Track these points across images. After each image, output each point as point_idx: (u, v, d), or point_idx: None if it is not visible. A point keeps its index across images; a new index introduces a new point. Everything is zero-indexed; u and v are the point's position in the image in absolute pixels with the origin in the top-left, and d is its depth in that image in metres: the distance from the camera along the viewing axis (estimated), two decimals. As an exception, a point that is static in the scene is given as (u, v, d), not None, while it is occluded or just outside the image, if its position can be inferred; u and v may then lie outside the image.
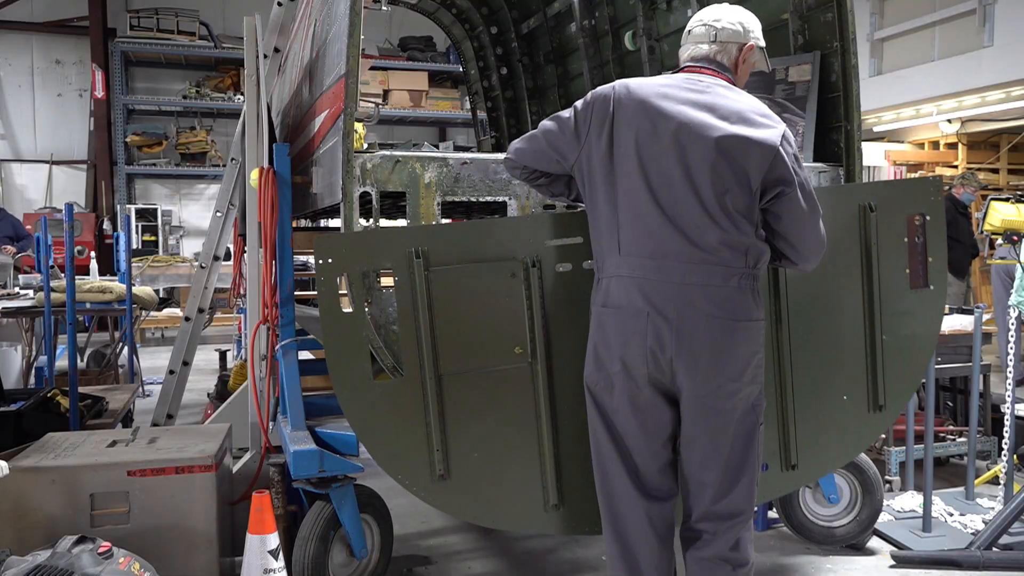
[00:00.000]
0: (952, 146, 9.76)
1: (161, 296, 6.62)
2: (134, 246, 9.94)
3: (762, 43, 2.50)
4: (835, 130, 3.24)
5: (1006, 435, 4.11)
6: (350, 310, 2.48)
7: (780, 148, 2.24)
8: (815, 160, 3.25)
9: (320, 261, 2.43)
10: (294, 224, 4.13)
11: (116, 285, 5.64)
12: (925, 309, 2.89)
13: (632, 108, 2.31)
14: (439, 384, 2.47)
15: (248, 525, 2.74)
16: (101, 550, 2.49)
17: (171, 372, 4.12)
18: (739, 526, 2.36)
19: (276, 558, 2.76)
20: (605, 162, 2.33)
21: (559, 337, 2.55)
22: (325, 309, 2.45)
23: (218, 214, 4.08)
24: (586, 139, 2.36)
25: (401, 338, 2.47)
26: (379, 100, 11.36)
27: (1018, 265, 4.47)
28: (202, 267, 4.18)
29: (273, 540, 2.75)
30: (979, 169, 9.37)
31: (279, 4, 4.14)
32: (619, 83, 2.37)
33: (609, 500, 2.40)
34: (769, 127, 2.26)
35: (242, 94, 3.77)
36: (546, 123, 2.47)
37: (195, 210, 12.16)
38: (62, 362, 5.76)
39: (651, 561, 2.38)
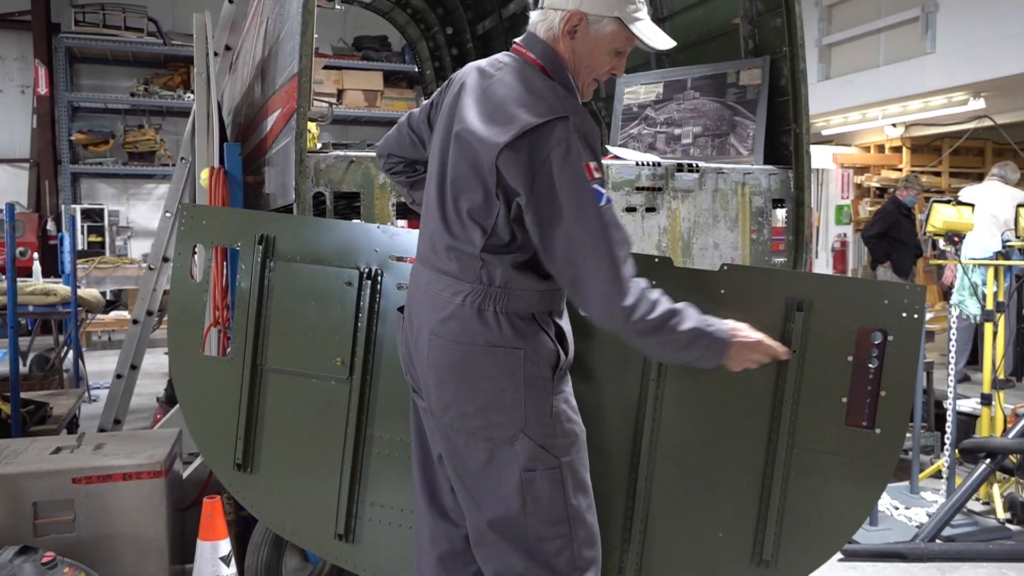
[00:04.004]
0: (897, 149, 10.02)
1: (108, 298, 6.47)
2: (80, 247, 9.65)
3: (612, 12, 1.93)
4: (784, 133, 3.30)
5: (948, 430, 4.24)
6: (197, 280, 2.53)
7: (506, 149, 1.82)
8: (766, 162, 3.31)
9: (180, 228, 2.47)
10: (246, 225, 4.09)
11: (60, 287, 5.50)
12: (862, 457, 2.13)
13: (450, 93, 2.04)
14: (255, 375, 2.43)
15: (199, 531, 2.70)
16: (44, 560, 2.43)
17: (118, 376, 4.03)
18: None
19: (228, 564, 2.72)
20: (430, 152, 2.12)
21: (387, 357, 2.34)
22: (176, 275, 2.50)
23: (167, 215, 4.01)
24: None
25: (235, 321, 2.46)
26: (333, 100, 11.24)
27: (959, 266, 4.62)
28: (151, 268, 4.10)
29: (225, 546, 2.71)
30: (922, 172, 9.63)
31: (230, 1, 4.07)
32: (471, 64, 2.09)
33: (415, 506, 2.23)
34: (512, 121, 1.83)
35: (192, 92, 3.70)
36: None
37: (143, 210, 11.86)
38: (3, 367, 5.59)
39: None
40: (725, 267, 2.21)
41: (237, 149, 3.36)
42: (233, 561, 2.75)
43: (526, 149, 1.81)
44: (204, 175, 3.28)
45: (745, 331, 1.95)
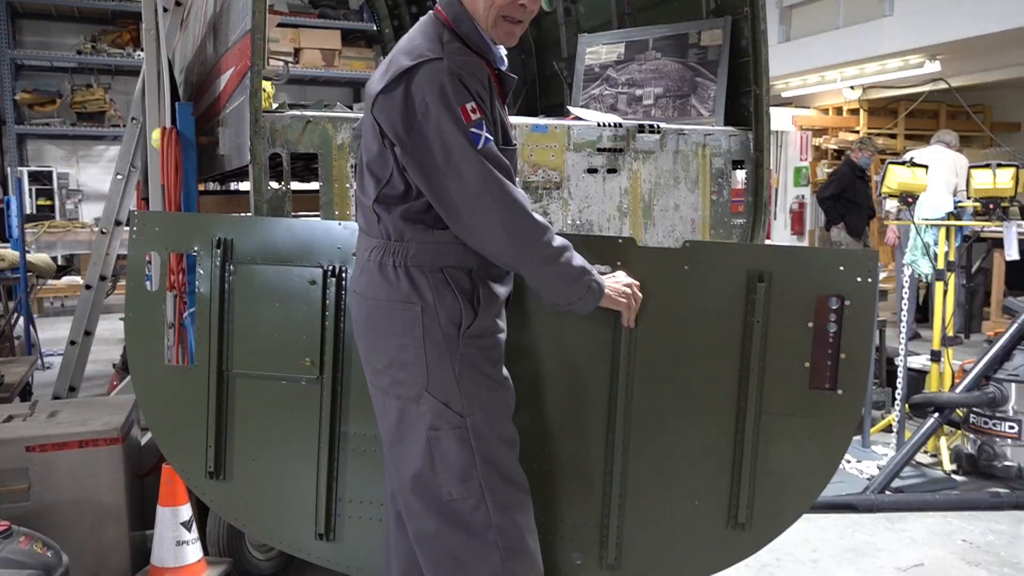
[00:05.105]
0: (854, 112, 10.14)
1: (60, 264, 6.31)
2: (28, 211, 9.40)
3: None
4: (745, 94, 3.29)
5: (899, 386, 4.37)
6: (155, 289, 2.49)
7: (380, 95, 1.84)
8: (726, 124, 3.32)
9: (133, 236, 2.42)
10: (201, 187, 4.02)
11: (8, 252, 5.37)
12: (826, 417, 2.22)
13: None
14: (222, 381, 2.40)
15: (159, 497, 2.70)
16: (-1, 529, 2.39)
17: (72, 343, 3.94)
18: (432, 556, 1.97)
19: (189, 529, 2.72)
20: None
21: (356, 353, 2.27)
22: (131, 286, 2.44)
23: (119, 177, 3.89)
24: None
25: (197, 328, 2.43)
26: (289, 58, 10.98)
27: (912, 226, 4.72)
28: (103, 232, 3.99)
29: (186, 511, 2.71)
30: (878, 134, 9.77)
31: (179, -46, 3.92)
32: None
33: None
34: (390, 68, 1.86)
35: (142, 50, 3.59)
36: None
37: (94, 173, 11.53)
38: (-49, 334, 5.44)
39: (392, 548, 2.18)
40: (687, 244, 2.26)
41: (189, 109, 3.30)
42: (195, 526, 2.74)
43: (400, 95, 1.81)
44: (155, 136, 3.21)
45: (617, 280, 2.09)
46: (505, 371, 2.04)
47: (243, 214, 2.56)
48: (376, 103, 1.86)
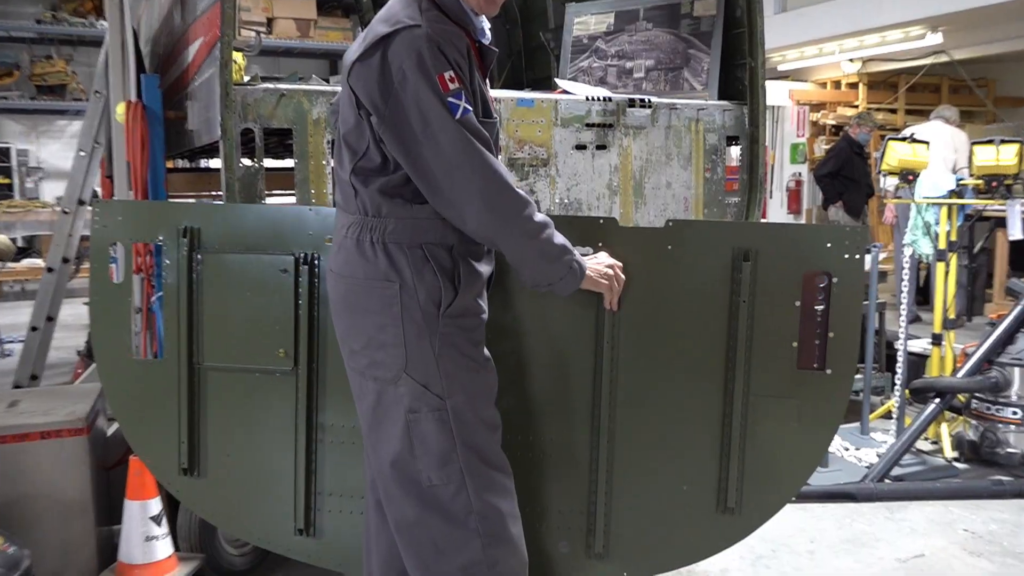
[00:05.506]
0: (853, 86, 10.00)
1: (20, 245, 6.16)
2: (-16, 190, 9.25)
3: None
4: (740, 67, 3.20)
5: (899, 371, 4.29)
6: (120, 280, 2.42)
7: (357, 63, 1.82)
8: (720, 98, 3.22)
9: (95, 226, 2.35)
10: (169, 164, 3.91)
11: (-27, 233, 5.22)
12: (815, 398, 2.19)
13: None
14: (192, 374, 2.34)
15: (126, 490, 2.63)
16: (-47, 528, 2.29)
17: (33, 329, 3.83)
18: (411, 543, 1.95)
19: (159, 524, 2.66)
20: None
21: (332, 343, 2.24)
22: (94, 278, 2.37)
23: (82, 153, 3.77)
24: None
25: (165, 320, 2.37)
26: (262, 28, 10.74)
27: (912, 204, 4.60)
28: (65, 212, 3.87)
29: (155, 505, 2.65)
30: (878, 109, 9.64)
31: (145, -83, 3.77)
32: None
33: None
34: (367, 37, 1.84)
35: (105, 19, 3.50)
36: None
37: (56, 149, 11.25)
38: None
39: (372, 537, 2.15)
40: (671, 223, 2.22)
41: (156, 81, 3.21)
42: (165, 520, 2.68)
43: (377, 62, 1.78)
44: (120, 110, 3.13)
45: (599, 261, 2.06)
46: (487, 352, 1.99)
47: (210, 199, 2.45)
48: (352, 71, 1.83)
